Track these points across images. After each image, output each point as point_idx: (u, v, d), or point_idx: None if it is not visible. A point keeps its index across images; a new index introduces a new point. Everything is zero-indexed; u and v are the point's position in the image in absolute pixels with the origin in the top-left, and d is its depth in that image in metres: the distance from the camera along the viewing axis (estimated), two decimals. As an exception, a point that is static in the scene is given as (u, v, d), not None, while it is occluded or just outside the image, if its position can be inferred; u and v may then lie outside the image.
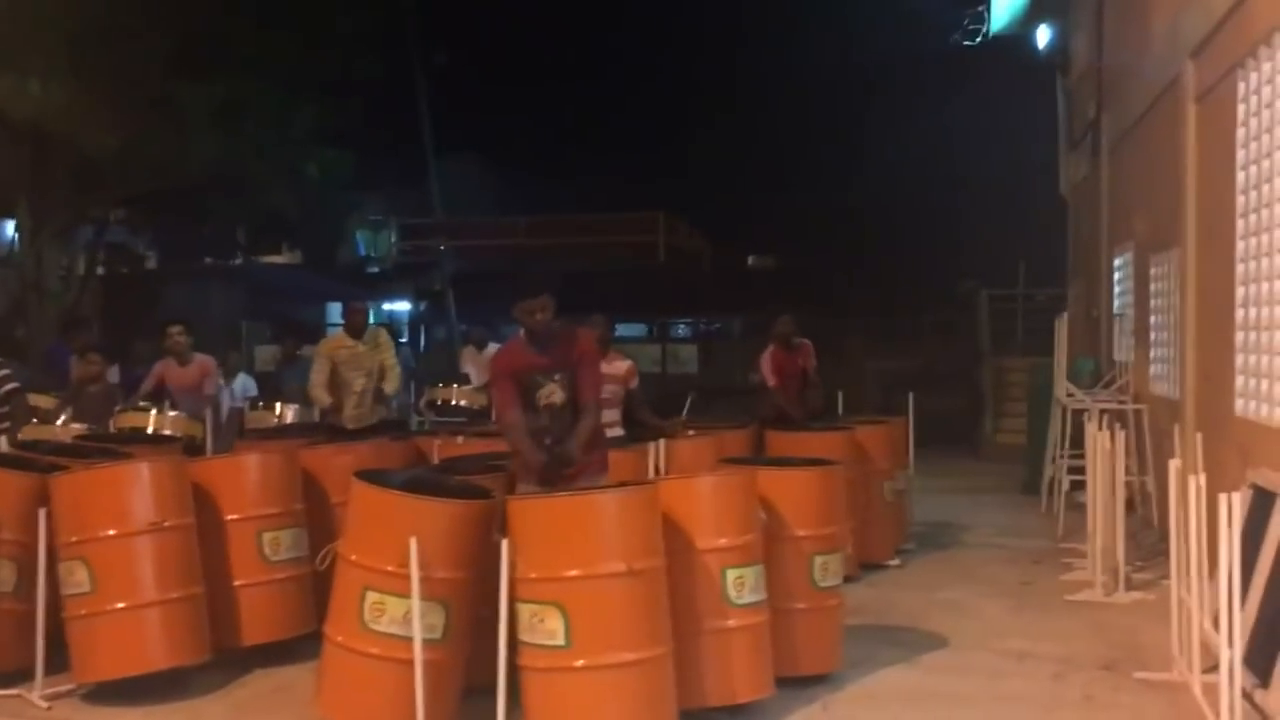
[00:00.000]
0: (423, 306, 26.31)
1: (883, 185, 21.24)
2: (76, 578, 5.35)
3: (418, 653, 4.67)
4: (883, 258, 20.64)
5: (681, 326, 23.74)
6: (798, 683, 5.44)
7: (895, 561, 8.45)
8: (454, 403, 9.41)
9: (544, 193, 23.73)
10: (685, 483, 5.45)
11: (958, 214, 20.15)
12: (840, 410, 10.03)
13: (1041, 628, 6.71)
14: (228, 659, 5.77)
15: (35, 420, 7.50)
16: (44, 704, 5.33)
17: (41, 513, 5.39)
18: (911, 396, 9.70)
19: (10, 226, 18.39)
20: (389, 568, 4.70)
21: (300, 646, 5.77)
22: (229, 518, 5.86)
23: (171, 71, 14.80)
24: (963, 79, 18.72)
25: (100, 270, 19.75)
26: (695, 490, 5.26)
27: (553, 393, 5.34)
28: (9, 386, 7.03)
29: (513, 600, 4.68)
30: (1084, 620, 6.86)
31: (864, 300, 18.64)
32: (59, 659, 5.46)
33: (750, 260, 24.89)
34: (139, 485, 5.48)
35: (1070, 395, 10.14)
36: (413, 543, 4.64)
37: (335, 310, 26.21)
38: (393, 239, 26.55)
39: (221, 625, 5.74)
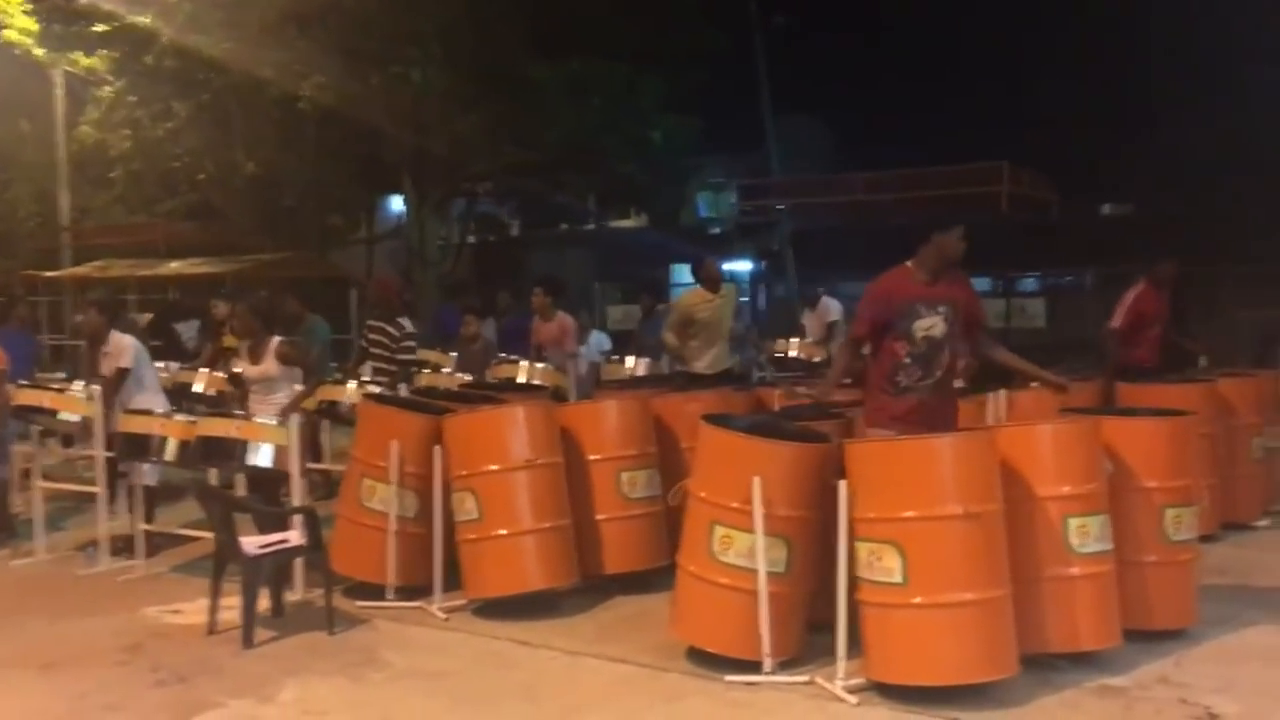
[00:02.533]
0: (763, 265, 26.75)
1: (1251, 118, 19.29)
2: (466, 506, 6.08)
3: (762, 584, 5.02)
4: (1255, 198, 18.78)
5: (1029, 280, 22.76)
6: (1149, 637, 5.33)
7: (1263, 522, 7.90)
8: (791, 356, 9.68)
9: (882, 148, 23.39)
10: (1025, 430, 5.42)
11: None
12: (1205, 363, 9.39)
13: None
14: (593, 586, 6.36)
15: (428, 370, 8.53)
16: (442, 615, 6.10)
17: (436, 449, 6.16)
18: (1287, 348, 8.96)
19: (396, 202, 20.58)
20: (734, 504, 5.06)
21: (656, 579, 6.27)
22: (591, 458, 6.43)
23: (528, 53, 15.99)
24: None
25: (471, 239, 21.67)
26: (1035, 437, 5.23)
27: (934, 325, 5.38)
28: (407, 344, 8.03)
29: (851, 539, 4.91)
30: None
31: (1235, 245, 17.06)
32: (453, 577, 6.22)
33: (1105, 209, 23.34)
34: (516, 427, 6.14)
35: None
36: (756, 482, 4.98)
37: (680, 271, 27.19)
38: (733, 200, 27.11)
39: (587, 555, 6.33)
